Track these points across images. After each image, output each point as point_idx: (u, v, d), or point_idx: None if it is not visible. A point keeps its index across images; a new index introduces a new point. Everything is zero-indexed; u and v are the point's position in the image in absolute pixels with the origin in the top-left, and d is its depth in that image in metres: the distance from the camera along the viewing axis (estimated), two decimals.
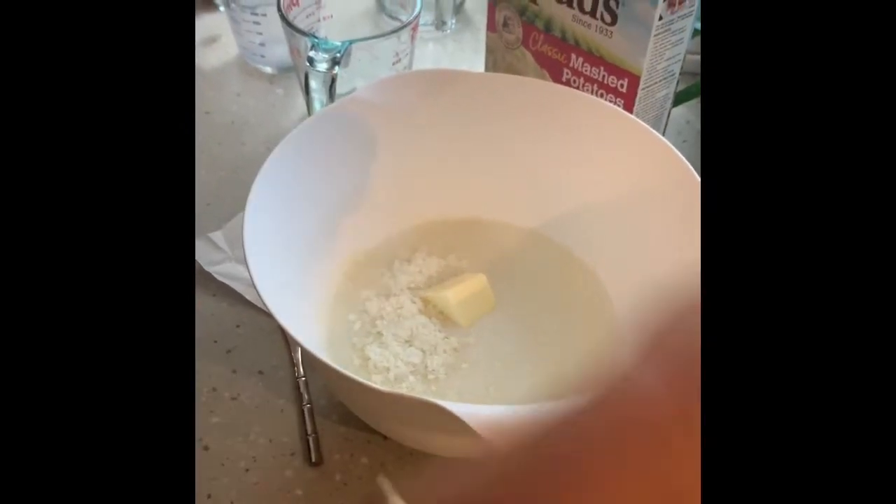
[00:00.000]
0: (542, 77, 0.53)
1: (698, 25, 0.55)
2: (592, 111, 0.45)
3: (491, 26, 0.55)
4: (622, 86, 0.48)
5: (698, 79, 0.58)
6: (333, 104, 0.49)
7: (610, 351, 0.44)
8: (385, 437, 0.44)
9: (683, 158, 0.41)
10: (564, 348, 0.45)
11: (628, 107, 0.48)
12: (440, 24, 0.69)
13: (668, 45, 0.46)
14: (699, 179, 0.40)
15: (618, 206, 0.45)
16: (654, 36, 0.44)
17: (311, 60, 0.51)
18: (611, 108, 0.45)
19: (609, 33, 0.46)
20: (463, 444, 0.37)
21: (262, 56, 0.66)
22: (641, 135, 0.43)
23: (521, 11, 0.52)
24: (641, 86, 0.47)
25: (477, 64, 0.65)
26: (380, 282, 0.47)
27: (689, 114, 0.65)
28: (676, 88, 0.52)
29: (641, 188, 0.44)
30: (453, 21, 0.71)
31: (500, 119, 0.47)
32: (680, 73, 0.51)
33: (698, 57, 0.64)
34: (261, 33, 0.64)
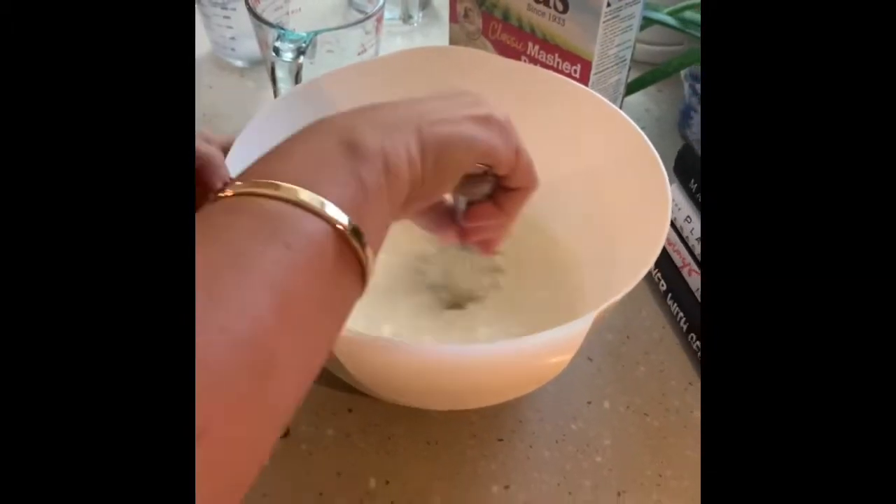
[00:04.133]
0: None
1: (648, 14, 0.57)
2: (555, 87, 0.46)
3: (453, 17, 0.57)
4: (576, 71, 0.50)
5: (653, 68, 0.60)
6: (298, 86, 0.50)
7: (573, 311, 0.46)
8: (350, 410, 0.45)
9: (640, 130, 0.43)
10: (534, 313, 0.47)
11: None
12: (407, 17, 0.71)
13: (618, 31, 0.48)
14: (655, 152, 0.42)
15: (582, 179, 0.47)
16: (604, 22, 0.46)
17: (276, 51, 0.53)
18: (572, 84, 0.46)
19: (562, 21, 0.48)
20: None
21: (233, 50, 0.68)
22: (602, 110, 0.45)
23: (481, 2, 0.54)
24: (594, 71, 0.49)
25: None
26: None
27: (647, 102, 0.67)
28: (629, 77, 0.54)
29: (602, 161, 0.46)
30: (420, 15, 0.73)
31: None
32: (633, 62, 0.53)
33: (650, 47, 0.66)
34: (231, 27, 0.65)
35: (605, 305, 0.34)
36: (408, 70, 0.48)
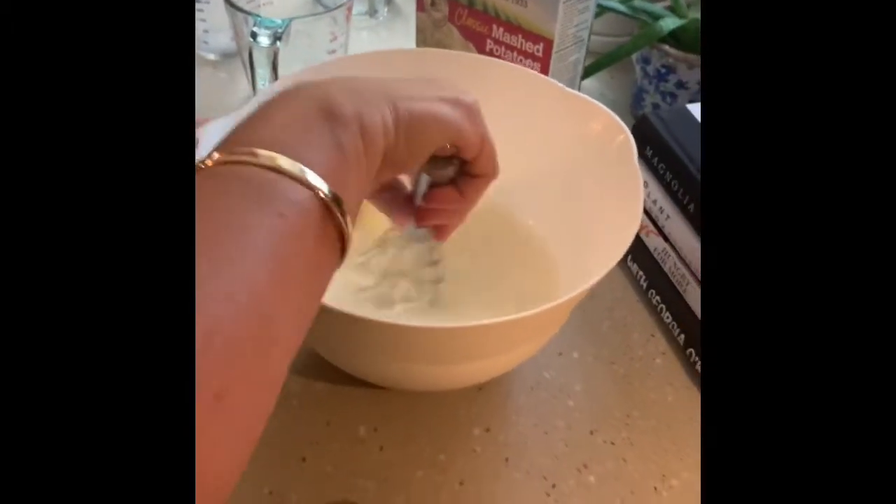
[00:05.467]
0: (468, 49, 0.59)
1: (601, 2, 0.62)
2: (516, 78, 0.48)
3: (420, 6, 0.61)
4: (538, 50, 0.54)
5: (604, 54, 0.64)
6: (278, 81, 0.53)
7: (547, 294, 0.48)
8: (337, 368, 0.48)
9: (609, 111, 0.46)
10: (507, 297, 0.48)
11: (544, 69, 0.54)
12: (372, 12, 0.74)
13: (576, 12, 0.52)
14: (625, 128, 0.45)
15: (556, 170, 0.49)
16: (563, 3, 0.50)
17: (254, 35, 0.56)
18: (531, 73, 0.49)
19: (524, 3, 0.52)
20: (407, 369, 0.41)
21: (206, 43, 0.70)
22: (560, 94, 0.47)
23: None
24: (555, 49, 0.53)
25: (408, 47, 0.71)
26: None
27: (602, 87, 0.72)
28: (585, 62, 0.58)
29: (575, 151, 0.48)
30: (385, 10, 0.76)
31: None
32: (588, 52, 0.57)
33: (602, 38, 0.71)
34: (204, 20, 0.68)
35: (583, 287, 0.36)
36: (391, 70, 0.49)
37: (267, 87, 0.49)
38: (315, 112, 0.28)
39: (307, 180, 0.26)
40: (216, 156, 0.26)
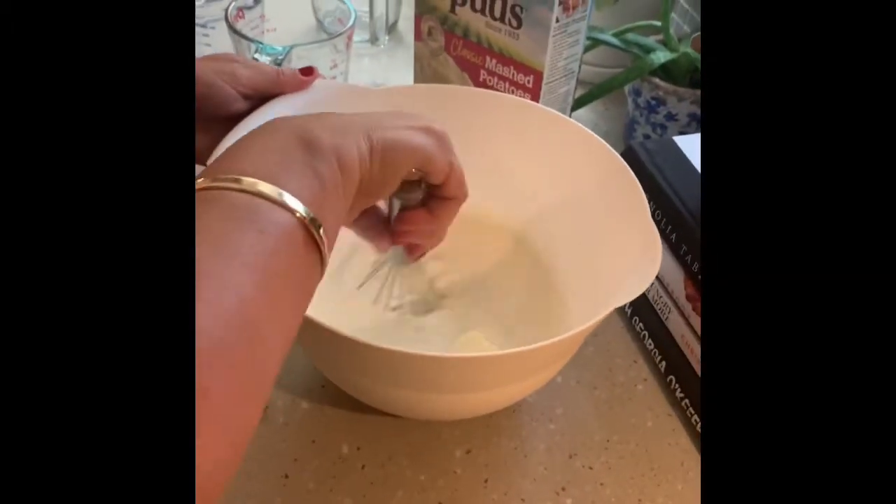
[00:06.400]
0: (463, 78, 0.60)
1: (594, 35, 0.63)
2: (541, 119, 0.50)
3: (417, 36, 0.62)
4: (529, 81, 0.55)
5: (596, 84, 0.66)
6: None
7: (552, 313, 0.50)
8: (323, 386, 0.49)
9: (606, 145, 0.48)
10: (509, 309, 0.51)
11: (535, 100, 0.56)
12: (374, 40, 0.76)
13: (566, 45, 0.54)
14: (634, 178, 0.45)
15: (568, 203, 0.50)
16: (553, 36, 0.52)
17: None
18: (556, 115, 0.49)
19: (516, 36, 0.54)
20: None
21: None
22: (564, 127, 0.49)
23: (443, 21, 0.59)
24: (545, 81, 0.54)
25: (407, 75, 0.72)
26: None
27: (596, 118, 0.73)
28: (576, 94, 0.60)
29: (586, 185, 0.49)
30: (386, 38, 0.78)
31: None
32: (581, 83, 0.59)
33: (596, 69, 0.72)
34: (209, 45, 0.70)
35: (595, 320, 0.39)
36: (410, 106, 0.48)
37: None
38: (295, 143, 0.30)
39: (286, 203, 0.28)
40: (201, 181, 0.28)
